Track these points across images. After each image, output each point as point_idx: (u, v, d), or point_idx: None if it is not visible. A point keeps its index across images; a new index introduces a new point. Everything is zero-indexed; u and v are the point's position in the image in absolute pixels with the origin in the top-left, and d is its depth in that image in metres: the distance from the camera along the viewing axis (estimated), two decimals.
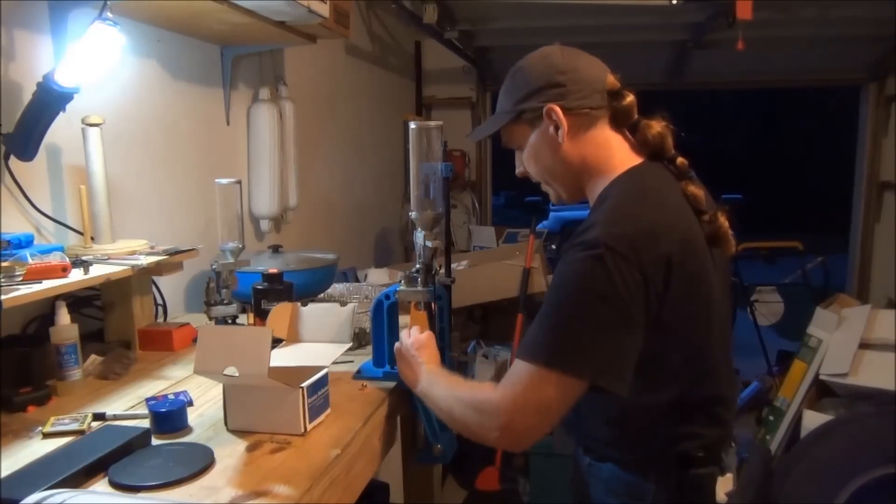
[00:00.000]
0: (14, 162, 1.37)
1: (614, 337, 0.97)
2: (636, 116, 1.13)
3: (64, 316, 1.26)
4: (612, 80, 1.12)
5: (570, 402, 1.00)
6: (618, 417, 1.11)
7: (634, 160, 1.11)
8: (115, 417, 1.14)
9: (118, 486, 0.90)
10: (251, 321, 1.55)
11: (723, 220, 1.09)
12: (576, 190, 1.16)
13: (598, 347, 0.97)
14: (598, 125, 1.11)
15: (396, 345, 1.27)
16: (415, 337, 1.25)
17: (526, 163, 1.18)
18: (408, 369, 1.24)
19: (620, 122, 1.13)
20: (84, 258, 1.32)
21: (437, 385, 1.16)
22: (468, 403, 1.08)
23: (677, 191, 1.09)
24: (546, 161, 1.14)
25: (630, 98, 1.12)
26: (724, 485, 1.14)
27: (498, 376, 2.86)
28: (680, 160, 1.13)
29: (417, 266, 1.29)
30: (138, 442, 1.01)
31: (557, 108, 1.08)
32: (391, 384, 1.31)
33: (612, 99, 1.11)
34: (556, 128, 1.10)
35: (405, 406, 1.33)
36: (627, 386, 0.98)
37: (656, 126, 1.12)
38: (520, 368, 1.00)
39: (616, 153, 1.11)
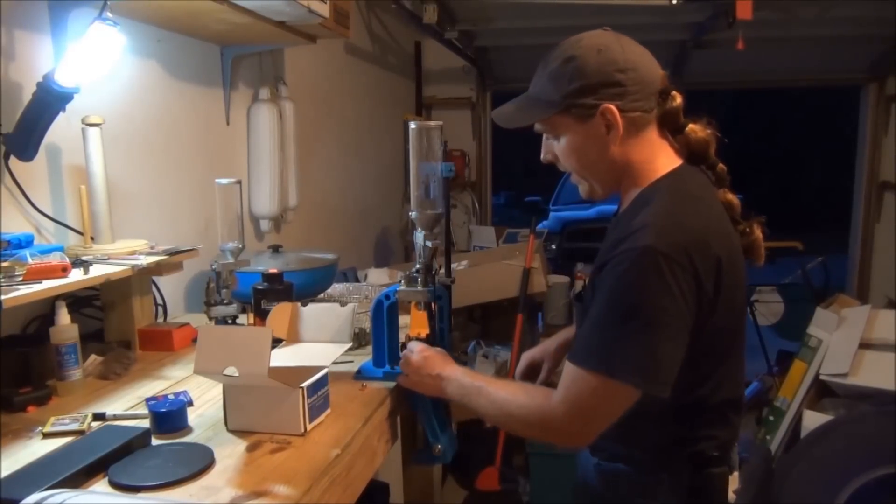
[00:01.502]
0: (14, 162, 1.37)
1: (671, 348, 0.99)
2: (683, 121, 1.12)
3: (64, 316, 1.26)
4: (664, 78, 1.09)
5: (630, 406, 1.02)
6: (631, 418, 1.09)
7: (675, 162, 1.10)
8: (115, 417, 1.14)
9: (118, 486, 0.90)
10: (251, 321, 1.55)
11: (758, 233, 1.12)
12: (612, 187, 1.14)
13: (658, 359, 0.98)
14: (648, 127, 1.09)
15: (401, 376, 1.27)
16: (415, 354, 1.24)
17: (564, 155, 1.11)
18: (426, 386, 1.23)
19: (667, 123, 1.11)
20: (84, 258, 1.32)
21: (477, 394, 1.14)
22: (527, 415, 1.07)
23: (717, 197, 1.10)
24: (589, 158, 1.10)
25: (679, 100, 1.11)
26: (731, 483, 1.16)
27: (498, 376, 2.86)
28: (720, 167, 1.13)
29: (417, 266, 1.29)
30: (138, 442, 1.01)
31: (615, 110, 1.04)
32: (391, 384, 1.30)
33: (661, 99, 1.09)
34: (609, 128, 1.05)
35: (405, 406, 1.33)
36: (670, 390, 1.00)
37: (701, 132, 1.12)
38: (583, 377, 1.01)
39: (659, 155, 1.10)
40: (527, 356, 1.49)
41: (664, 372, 0.99)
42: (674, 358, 0.99)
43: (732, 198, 1.11)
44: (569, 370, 1.03)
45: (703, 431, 1.11)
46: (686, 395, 1.07)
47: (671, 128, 1.12)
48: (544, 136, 1.15)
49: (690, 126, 1.12)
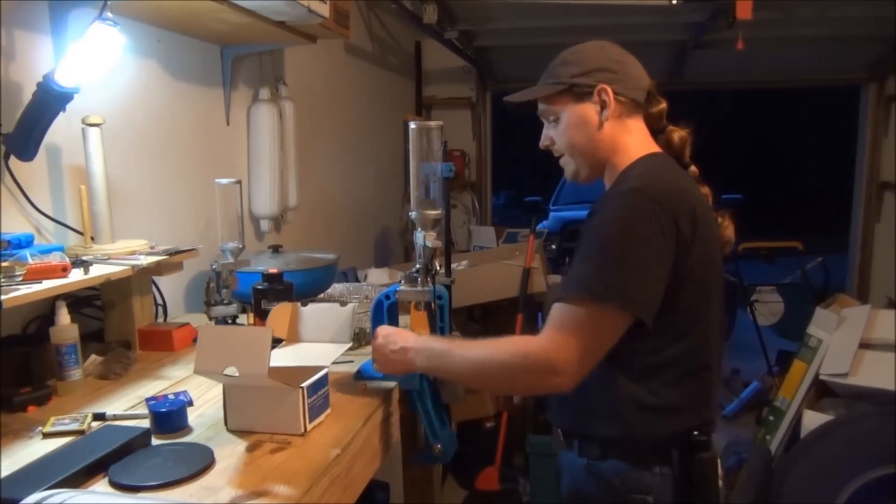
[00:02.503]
0: (14, 162, 1.37)
1: (654, 274, 1.06)
2: (665, 122, 1.25)
3: (64, 316, 1.26)
4: (651, 84, 1.23)
5: (616, 339, 1.06)
6: (620, 411, 1.13)
7: (654, 149, 1.22)
8: (115, 417, 1.14)
9: (118, 486, 0.90)
10: (251, 321, 1.55)
11: (728, 222, 1.22)
12: (596, 169, 1.23)
13: (642, 282, 1.05)
14: (635, 117, 1.21)
15: (373, 353, 1.25)
16: (378, 337, 1.23)
17: (560, 133, 1.22)
18: (393, 363, 1.21)
19: (651, 124, 1.24)
20: (84, 258, 1.32)
21: (448, 355, 1.14)
22: (510, 362, 1.07)
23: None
24: (582, 136, 1.20)
25: (663, 105, 1.25)
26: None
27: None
28: (693, 168, 1.26)
29: (417, 266, 1.29)
30: (138, 442, 1.01)
31: (609, 90, 1.17)
32: (391, 384, 1.31)
33: (647, 101, 1.22)
34: (602, 107, 1.18)
35: (405, 406, 1.33)
36: (653, 317, 1.06)
37: (680, 132, 1.25)
38: (568, 311, 1.05)
39: (641, 143, 1.21)
40: None
41: (648, 295, 1.05)
42: (656, 286, 1.06)
43: (705, 191, 1.22)
44: (554, 310, 1.07)
45: (686, 402, 1.14)
46: (666, 352, 1.12)
47: (654, 128, 1.25)
48: (545, 124, 1.26)
49: (670, 128, 1.26)
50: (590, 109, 1.19)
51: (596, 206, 1.13)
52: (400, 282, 1.31)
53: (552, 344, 1.04)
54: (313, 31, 2.10)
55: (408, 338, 1.20)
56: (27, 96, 1.34)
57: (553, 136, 1.24)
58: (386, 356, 1.21)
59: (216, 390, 1.21)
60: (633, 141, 1.21)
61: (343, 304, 1.54)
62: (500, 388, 1.12)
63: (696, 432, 1.14)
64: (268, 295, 1.53)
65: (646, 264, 1.05)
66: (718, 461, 1.18)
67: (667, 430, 1.14)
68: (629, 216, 1.06)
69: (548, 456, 2.61)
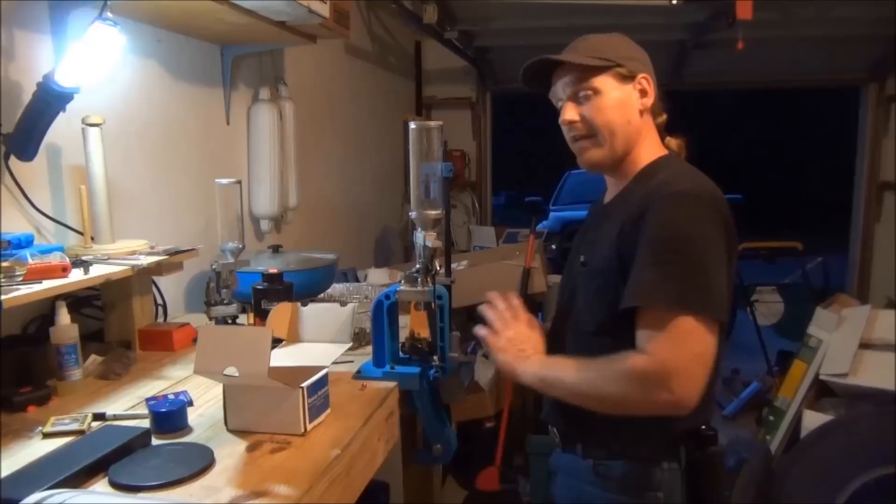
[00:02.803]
0: (14, 162, 1.37)
1: (723, 277, 1.06)
2: (664, 133, 1.26)
3: (64, 316, 1.26)
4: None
5: (717, 347, 1.05)
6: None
7: (665, 151, 1.24)
8: (115, 417, 1.14)
9: (118, 486, 0.90)
10: (251, 321, 1.55)
11: None
12: (620, 156, 1.20)
13: (719, 288, 1.04)
14: (654, 119, 1.23)
15: (495, 338, 1.23)
16: (517, 331, 1.23)
17: (596, 110, 1.17)
18: (510, 361, 1.21)
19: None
20: (84, 258, 1.32)
21: (561, 371, 1.13)
22: (619, 378, 1.05)
23: None
24: (621, 118, 1.17)
25: (664, 117, 1.26)
26: None
27: (498, 376, 2.86)
28: None
29: (417, 266, 1.29)
30: (138, 442, 1.01)
31: (650, 80, 1.18)
32: (391, 384, 1.31)
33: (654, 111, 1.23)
34: (642, 94, 1.18)
35: (405, 406, 1.33)
36: None
37: (678, 140, 1.27)
38: (667, 323, 1.02)
39: (657, 144, 1.23)
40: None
41: (724, 298, 1.05)
42: (725, 288, 1.06)
43: None
44: (648, 319, 1.04)
45: (700, 399, 1.12)
46: None
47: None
48: (567, 102, 1.20)
49: (668, 139, 1.27)
50: (631, 94, 1.18)
51: (641, 207, 1.09)
52: (400, 282, 1.31)
53: (660, 361, 1.02)
54: (313, 31, 2.10)
55: (536, 345, 1.21)
56: (27, 96, 1.34)
57: (585, 113, 1.18)
58: (507, 346, 1.22)
59: (216, 390, 1.21)
60: (653, 139, 1.22)
61: (343, 304, 1.55)
62: (611, 410, 1.10)
63: (703, 427, 1.15)
64: (268, 295, 1.53)
65: (718, 268, 1.05)
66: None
67: (679, 427, 1.13)
68: (694, 220, 1.06)
69: (548, 456, 2.61)
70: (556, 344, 1.26)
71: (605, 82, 1.17)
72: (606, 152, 1.19)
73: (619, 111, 1.17)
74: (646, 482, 1.15)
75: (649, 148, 1.21)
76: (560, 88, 1.21)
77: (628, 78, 1.17)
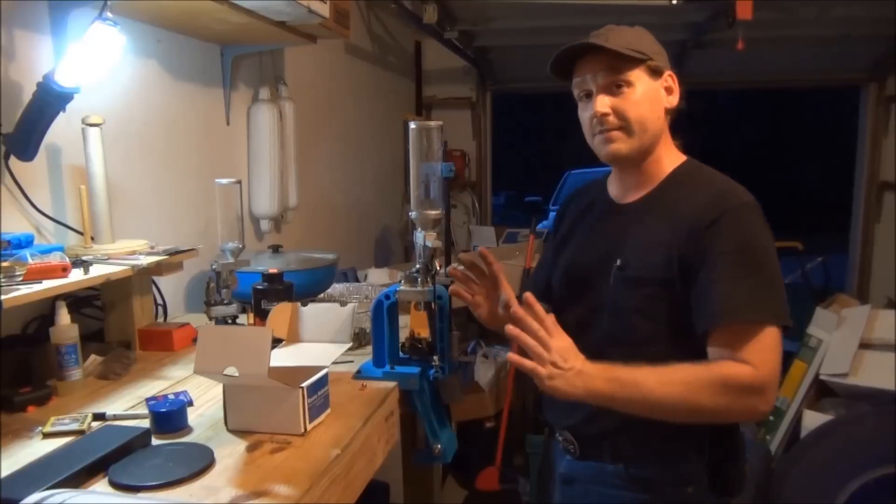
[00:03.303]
0: (14, 162, 1.37)
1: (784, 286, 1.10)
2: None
3: (64, 316, 1.26)
4: None
5: None
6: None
7: (683, 156, 1.24)
8: (115, 417, 1.14)
9: (118, 486, 0.90)
10: (251, 321, 1.55)
11: None
12: (647, 150, 1.19)
13: (786, 297, 1.09)
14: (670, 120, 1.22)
15: (540, 367, 1.04)
16: (558, 348, 1.05)
17: (632, 103, 1.15)
18: (566, 387, 1.04)
19: None
20: (84, 258, 1.32)
21: (641, 384, 1.03)
22: (722, 389, 1.03)
23: None
24: (653, 113, 1.17)
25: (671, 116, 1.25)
26: None
27: (497, 376, 2.86)
28: None
29: (417, 266, 1.29)
30: (138, 442, 1.01)
31: (675, 78, 1.19)
32: (391, 384, 1.30)
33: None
34: (669, 91, 1.18)
35: (405, 406, 1.33)
36: None
37: (679, 142, 1.26)
38: (761, 335, 1.04)
39: (674, 146, 1.24)
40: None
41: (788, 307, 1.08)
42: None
43: None
44: (744, 333, 1.05)
45: None
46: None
47: None
48: (597, 94, 1.16)
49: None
50: (658, 88, 1.18)
51: (708, 214, 1.09)
52: (400, 282, 1.31)
53: (765, 371, 1.03)
54: (313, 31, 2.10)
55: (581, 357, 1.06)
56: (27, 96, 1.34)
57: (618, 105, 1.15)
58: (564, 375, 1.04)
59: (216, 390, 1.21)
60: (669, 140, 1.22)
61: (343, 304, 1.54)
62: (702, 417, 1.07)
63: None
64: (268, 295, 1.53)
65: (781, 278, 1.10)
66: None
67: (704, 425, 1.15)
68: (766, 232, 1.10)
69: (545, 457, 2.61)
70: (608, 354, 1.11)
71: (638, 76, 1.16)
72: (635, 145, 1.17)
73: (651, 106, 1.17)
74: (676, 478, 1.16)
75: (669, 149, 1.21)
76: (590, 78, 1.17)
77: (657, 73, 1.17)
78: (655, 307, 1.13)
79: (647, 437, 1.15)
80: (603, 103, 1.15)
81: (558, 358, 1.04)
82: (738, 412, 1.07)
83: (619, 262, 1.16)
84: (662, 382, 1.04)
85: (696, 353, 1.07)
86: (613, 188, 1.27)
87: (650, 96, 1.16)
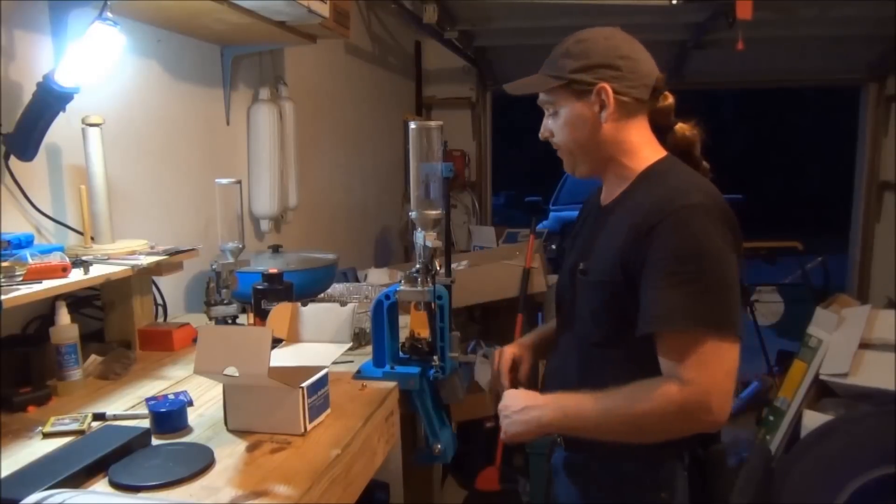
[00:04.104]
0: (14, 162, 1.37)
1: (737, 292, 1.04)
2: (672, 118, 1.20)
3: (64, 316, 1.26)
4: (659, 78, 1.17)
5: (738, 361, 1.04)
6: None
7: (663, 153, 1.18)
8: (115, 417, 1.14)
9: (118, 486, 0.90)
10: (251, 321, 1.55)
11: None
12: (596, 167, 1.19)
13: (736, 304, 1.03)
14: (638, 115, 1.16)
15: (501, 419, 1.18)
16: (502, 401, 1.19)
17: (559, 129, 1.18)
18: (517, 423, 1.15)
19: (657, 120, 1.19)
20: (84, 258, 1.32)
21: (583, 412, 1.08)
22: (659, 414, 1.02)
23: None
24: (581, 134, 1.16)
25: (671, 100, 1.19)
26: None
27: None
28: (704, 165, 1.21)
29: (417, 266, 1.29)
30: (138, 442, 1.01)
31: (610, 90, 1.11)
32: (391, 384, 1.31)
33: (653, 97, 1.17)
34: (602, 107, 1.13)
35: (405, 406, 1.33)
36: None
37: (689, 131, 1.21)
38: (692, 344, 1.01)
39: (648, 145, 1.18)
40: (509, 353, 1.40)
41: (740, 314, 1.04)
42: (739, 302, 1.04)
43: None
44: (670, 343, 1.03)
45: None
46: None
47: (661, 124, 1.20)
48: (545, 114, 1.20)
49: (679, 125, 1.21)
50: (589, 108, 1.14)
51: (649, 219, 1.06)
52: (400, 282, 1.31)
53: (699, 386, 1.00)
54: (313, 31, 2.10)
55: (528, 398, 1.15)
56: (27, 96, 1.34)
57: (553, 128, 1.19)
58: (510, 418, 1.16)
59: (216, 390, 1.21)
60: (640, 141, 1.16)
61: (343, 304, 1.54)
62: (650, 439, 1.09)
63: None
64: (268, 295, 1.53)
65: (732, 283, 1.03)
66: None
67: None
68: (707, 235, 1.03)
69: (546, 456, 2.61)
70: (563, 356, 1.25)
71: (563, 99, 1.16)
72: (578, 163, 1.19)
73: (577, 129, 1.15)
74: (651, 482, 1.14)
75: (639, 151, 1.16)
76: (538, 101, 1.22)
77: (585, 92, 1.13)
78: (607, 312, 1.13)
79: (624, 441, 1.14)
80: (544, 127, 1.21)
81: (503, 408, 1.16)
82: (686, 429, 1.06)
83: (581, 265, 1.17)
84: (603, 411, 1.06)
85: (651, 357, 1.06)
86: (603, 190, 1.27)
87: (574, 120, 1.15)
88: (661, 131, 1.20)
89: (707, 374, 1.00)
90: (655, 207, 1.06)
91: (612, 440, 1.08)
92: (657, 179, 1.13)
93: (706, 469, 1.15)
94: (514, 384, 1.34)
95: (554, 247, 5.92)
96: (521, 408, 1.14)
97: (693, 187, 1.08)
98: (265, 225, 2.42)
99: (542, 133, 1.21)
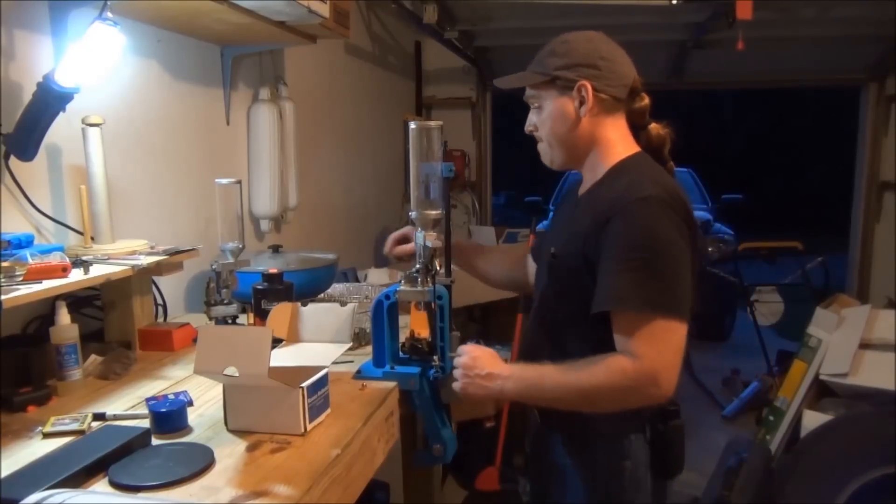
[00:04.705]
0: (14, 162, 1.37)
1: (689, 280, 1.13)
2: (648, 118, 1.29)
3: (64, 316, 1.26)
4: (636, 80, 1.26)
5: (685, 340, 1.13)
6: None
7: (636, 148, 1.27)
8: (115, 417, 1.14)
9: (118, 486, 0.90)
10: (251, 321, 1.55)
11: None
12: (573, 161, 1.29)
13: (686, 291, 1.12)
14: (615, 114, 1.25)
15: (456, 371, 1.23)
16: (464, 355, 1.22)
17: (541, 122, 1.27)
18: (478, 387, 1.20)
19: (633, 119, 1.28)
20: (84, 258, 1.32)
21: (543, 383, 1.16)
22: (611, 386, 1.11)
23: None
24: (561, 128, 1.25)
25: (646, 101, 1.28)
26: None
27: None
28: (670, 164, 1.31)
29: (417, 266, 1.29)
30: (138, 442, 1.01)
31: (589, 87, 1.20)
32: (391, 384, 1.31)
33: (630, 97, 1.25)
34: (581, 103, 1.22)
35: (405, 406, 1.33)
36: None
37: (661, 130, 1.30)
38: (643, 323, 1.10)
39: (623, 141, 1.26)
40: (396, 235, 1.54)
41: (689, 301, 1.12)
42: (690, 290, 1.13)
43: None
44: (620, 321, 1.12)
45: None
46: None
47: (637, 124, 1.29)
48: (531, 109, 1.29)
49: (653, 125, 1.29)
50: (570, 103, 1.23)
51: (607, 211, 1.15)
52: (400, 282, 1.31)
53: (648, 361, 1.09)
54: (313, 31, 2.10)
55: (495, 364, 1.20)
56: (27, 96, 1.34)
57: (536, 122, 1.28)
58: (472, 380, 1.20)
59: (216, 390, 1.21)
60: (615, 137, 1.25)
61: (343, 304, 1.54)
62: (603, 409, 1.19)
63: (669, 404, 1.24)
64: (268, 295, 1.53)
65: (683, 270, 1.12)
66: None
67: (646, 405, 1.20)
68: (660, 225, 1.11)
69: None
70: (533, 334, 1.35)
71: (546, 94, 1.25)
72: (554, 157, 1.29)
73: (558, 122, 1.24)
74: (616, 452, 1.24)
75: (613, 147, 1.25)
76: (525, 97, 1.30)
77: (567, 88, 1.22)
78: (571, 293, 1.22)
79: (590, 413, 1.22)
80: (529, 121, 1.30)
81: (464, 366, 1.20)
82: (636, 401, 1.14)
83: (553, 250, 1.27)
84: (561, 384, 1.14)
85: (609, 335, 1.15)
86: (581, 183, 1.37)
87: (556, 114, 1.24)
88: (637, 130, 1.29)
89: (655, 350, 1.09)
90: (614, 200, 1.16)
91: (566, 409, 1.18)
92: (622, 173, 1.22)
93: (665, 442, 1.25)
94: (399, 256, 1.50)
95: None
96: (485, 373, 1.19)
97: (650, 181, 1.16)
98: (265, 225, 2.42)
99: (528, 127, 1.30)
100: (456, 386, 1.23)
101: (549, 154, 1.30)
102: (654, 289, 1.10)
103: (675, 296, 1.10)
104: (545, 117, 1.26)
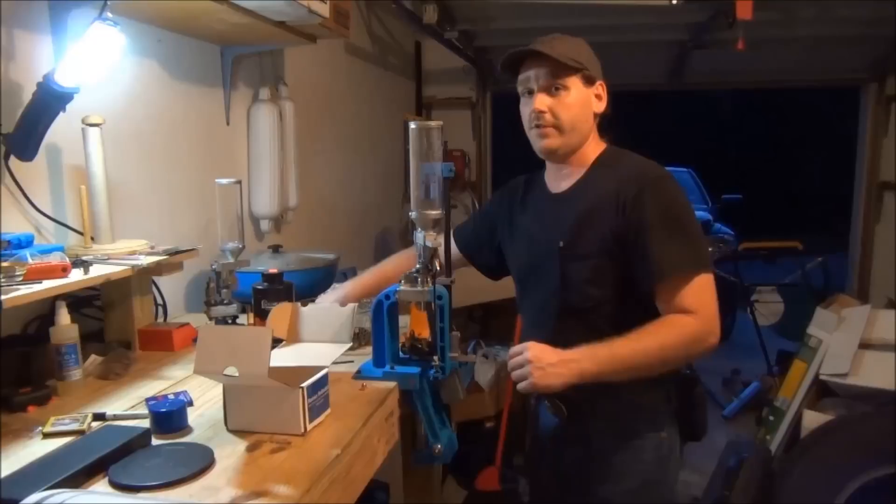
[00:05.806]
0: (14, 162, 1.37)
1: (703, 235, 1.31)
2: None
3: (64, 316, 1.26)
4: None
5: None
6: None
7: (604, 145, 1.44)
8: (115, 417, 1.14)
9: (118, 486, 0.90)
10: (251, 321, 1.55)
11: None
12: (574, 148, 1.39)
13: (706, 245, 1.32)
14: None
15: (521, 370, 1.27)
16: (526, 353, 1.26)
17: (564, 106, 1.34)
18: (553, 376, 1.24)
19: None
20: (84, 258, 1.32)
21: (617, 354, 1.24)
22: (681, 343, 1.25)
23: None
24: (583, 116, 1.36)
25: (606, 111, 1.43)
26: None
27: (498, 376, 2.86)
28: None
29: (417, 266, 1.29)
30: (138, 442, 1.01)
31: (604, 86, 1.38)
32: (391, 384, 1.30)
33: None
34: (599, 98, 1.37)
35: (405, 406, 1.33)
36: None
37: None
38: (696, 285, 1.25)
39: (598, 137, 1.43)
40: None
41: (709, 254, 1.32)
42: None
43: None
44: (677, 287, 1.26)
45: None
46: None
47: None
48: (538, 93, 1.35)
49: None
50: (590, 95, 1.36)
51: (628, 189, 1.29)
52: (400, 282, 1.31)
53: (703, 313, 1.25)
54: (313, 31, 2.10)
55: (561, 352, 1.26)
56: (27, 96, 1.34)
57: (554, 105, 1.34)
58: (545, 370, 1.24)
59: (216, 390, 1.21)
60: (596, 135, 1.42)
61: (343, 304, 1.54)
62: (672, 366, 1.32)
63: (686, 371, 1.40)
64: (268, 295, 1.53)
65: (701, 232, 1.33)
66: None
67: (670, 374, 1.34)
68: (682, 194, 1.32)
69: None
70: (537, 323, 1.45)
71: (574, 82, 1.34)
72: (565, 142, 1.36)
73: (581, 110, 1.35)
74: (653, 426, 1.37)
75: (594, 143, 1.41)
76: (533, 78, 1.35)
77: (590, 82, 1.36)
78: (603, 275, 1.33)
79: (622, 395, 1.33)
80: (542, 101, 1.34)
81: (535, 359, 1.25)
82: (698, 352, 1.27)
83: (561, 243, 1.35)
84: (635, 351, 1.24)
85: (641, 307, 1.29)
86: (550, 180, 1.46)
87: (582, 101, 1.35)
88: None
89: (708, 304, 1.26)
90: (633, 180, 1.30)
91: (637, 375, 1.27)
92: (615, 162, 1.37)
93: (693, 406, 1.40)
94: None
95: None
96: (557, 360, 1.24)
97: (652, 163, 1.35)
98: (265, 225, 2.42)
99: (540, 106, 1.34)
100: (524, 385, 1.26)
101: (559, 139, 1.36)
102: (694, 249, 1.27)
103: (706, 253, 1.30)
104: (571, 101, 1.34)
